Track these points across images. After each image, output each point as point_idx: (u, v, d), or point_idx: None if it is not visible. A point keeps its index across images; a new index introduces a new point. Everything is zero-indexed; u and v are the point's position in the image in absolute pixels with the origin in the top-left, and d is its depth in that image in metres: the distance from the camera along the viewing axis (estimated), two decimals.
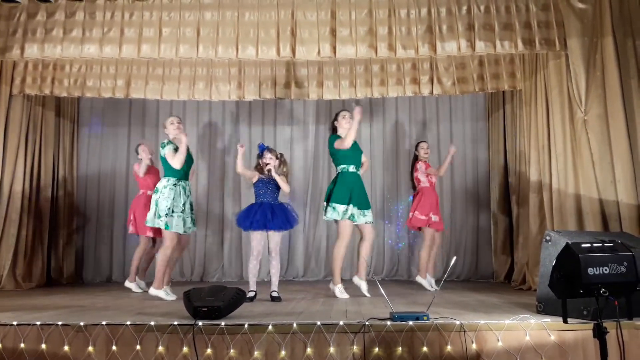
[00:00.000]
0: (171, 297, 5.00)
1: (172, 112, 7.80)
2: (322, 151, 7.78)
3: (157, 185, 5.01)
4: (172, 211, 4.84)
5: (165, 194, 4.87)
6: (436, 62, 6.25)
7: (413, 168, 6.10)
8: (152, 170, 6.11)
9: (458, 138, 7.69)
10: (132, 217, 6.03)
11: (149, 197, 5.58)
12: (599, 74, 5.07)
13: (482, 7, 5.34)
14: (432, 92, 6.32)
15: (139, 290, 5.85)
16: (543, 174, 5.55)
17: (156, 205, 4.87)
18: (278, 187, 5.16)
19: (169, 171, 4.95)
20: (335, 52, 5.37)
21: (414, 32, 5.36)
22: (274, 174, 5.07)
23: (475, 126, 7.67)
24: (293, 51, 5.38)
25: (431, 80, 6.27)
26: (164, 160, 4.95)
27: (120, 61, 6.26)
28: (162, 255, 4.95)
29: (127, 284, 5.94)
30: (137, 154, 6.20)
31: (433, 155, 7.60)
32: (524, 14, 5.32)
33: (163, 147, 4.96)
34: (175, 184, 4.92)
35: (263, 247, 5.05)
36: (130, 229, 6.07)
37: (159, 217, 4.83)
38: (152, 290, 4.99)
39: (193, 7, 5.46)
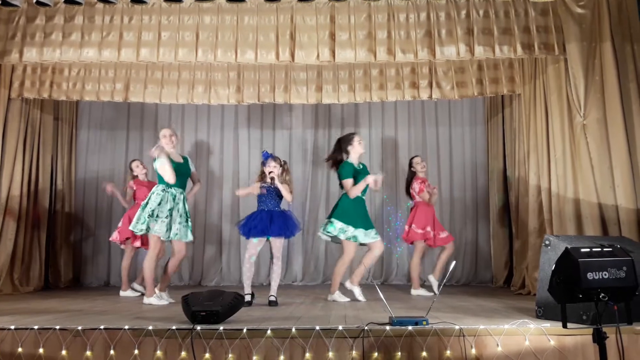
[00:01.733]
0: (164, 301, 5.04)
1: (171, 115, 7.82)
2: (320, 155, 7.77)
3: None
4: (157, 216, 4.87)
5: (152, 199, 4.93)
6: (435, 66, 6.24)
7: (410, 182, 6.17)
8: (150, 186, 6.16)
9: (457, 142, 7.70)
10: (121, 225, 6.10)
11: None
12: (598, 79, 5.08)
13: (481, 12, 5.35)
14: (431, 97, 6.31)
15: (136, 294, 5.87)
16: (542, 178, 5.54)
17: (142, 209, 4.92)
18: (280, 195, 5.15)
19: (162, 180, 4.98)
20: (334, 56, 5.37)
21: (413, 36, 5.36)
22: (277, 182, 5.05)
23: (474, 130, 7.67)
24: (292, 55, 5.38)
25: (430, 85, 6.26)
26: (157, 172, 5.00)
27: (119, 65, 6.23)
28: (146, 263, 5.01)
29: (122, 293, 5.95)
30: (131, 170, 6.25)
31: (432, 159, 7.63)
32: (522, 18, 5.33)
33: (155, 160, 4.99)
34: (164, 189, 4.95)
35: (257, 251, 5.06)
36: (115, 236, 6.13)
37: (143, 221, 4.86)
38: (145, 299, 5.05)
39: (192, 11, 5.45)
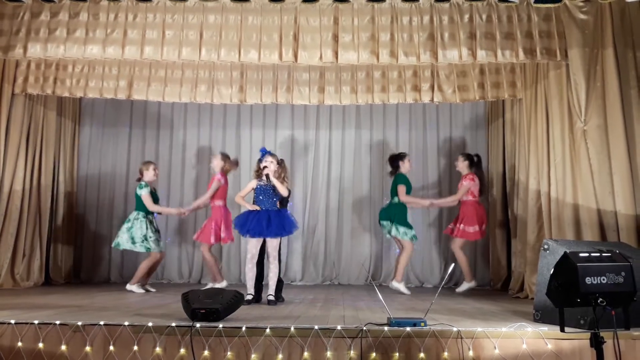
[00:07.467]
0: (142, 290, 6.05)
1: (174, 114, 7.85)
2: (322, 156, 7.79)
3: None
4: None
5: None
6: (437, 69, 6.26)
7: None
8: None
9: (458, 146, 7.71)
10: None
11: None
12: (599, 85, 5.09)
13: (484, 16, 5.36)
14: (432, 100, 6.33)
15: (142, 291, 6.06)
16: (542, 183, 5.56)
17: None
18: (277, 194, 5.15)
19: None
20: (337, 58, 5.38)
21: (415, 39, 5.38)
22: (271, 177, 5.05)
23: (475, 134, 7.69)
24: (295, 56, 5.39)
25: (432, 88, 6.29)
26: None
27: (122, 62, 6.25)
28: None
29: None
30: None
31: (433, 162, 7.66)
32: (525, 23, 5.34)
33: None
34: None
35: (258, 250, 5.08)
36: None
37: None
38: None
39: (197, 10, 5.47)
